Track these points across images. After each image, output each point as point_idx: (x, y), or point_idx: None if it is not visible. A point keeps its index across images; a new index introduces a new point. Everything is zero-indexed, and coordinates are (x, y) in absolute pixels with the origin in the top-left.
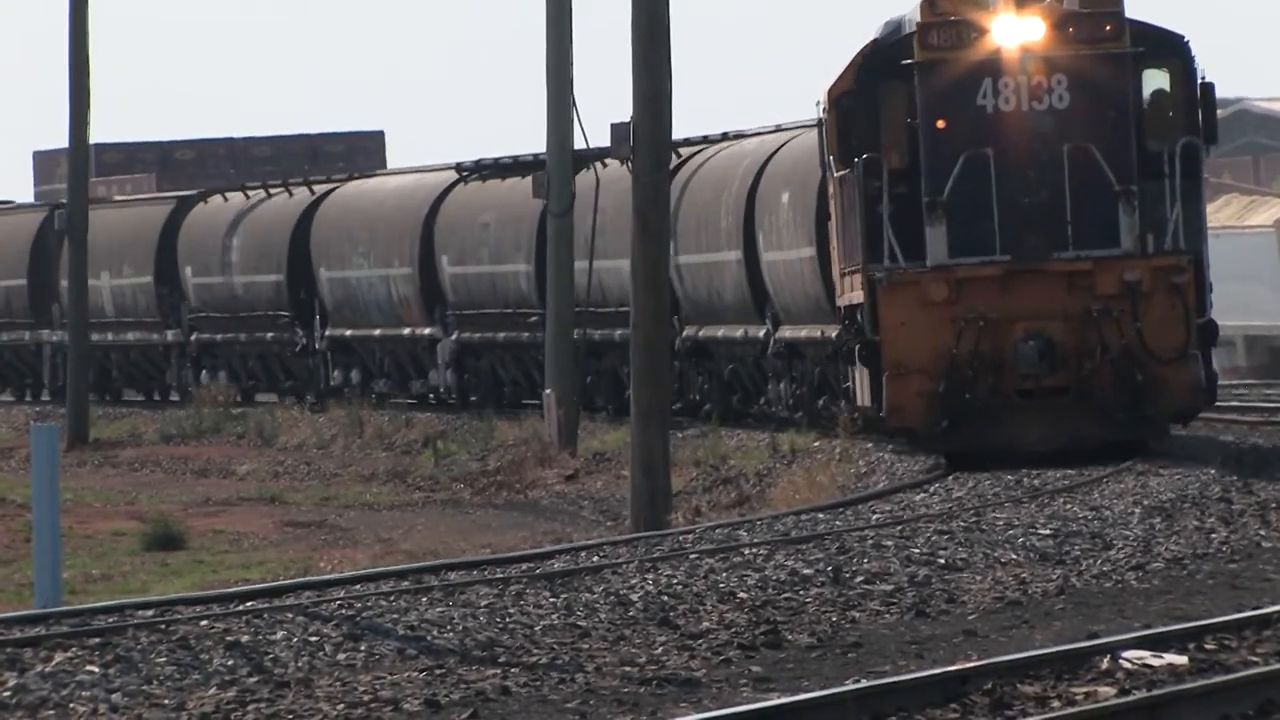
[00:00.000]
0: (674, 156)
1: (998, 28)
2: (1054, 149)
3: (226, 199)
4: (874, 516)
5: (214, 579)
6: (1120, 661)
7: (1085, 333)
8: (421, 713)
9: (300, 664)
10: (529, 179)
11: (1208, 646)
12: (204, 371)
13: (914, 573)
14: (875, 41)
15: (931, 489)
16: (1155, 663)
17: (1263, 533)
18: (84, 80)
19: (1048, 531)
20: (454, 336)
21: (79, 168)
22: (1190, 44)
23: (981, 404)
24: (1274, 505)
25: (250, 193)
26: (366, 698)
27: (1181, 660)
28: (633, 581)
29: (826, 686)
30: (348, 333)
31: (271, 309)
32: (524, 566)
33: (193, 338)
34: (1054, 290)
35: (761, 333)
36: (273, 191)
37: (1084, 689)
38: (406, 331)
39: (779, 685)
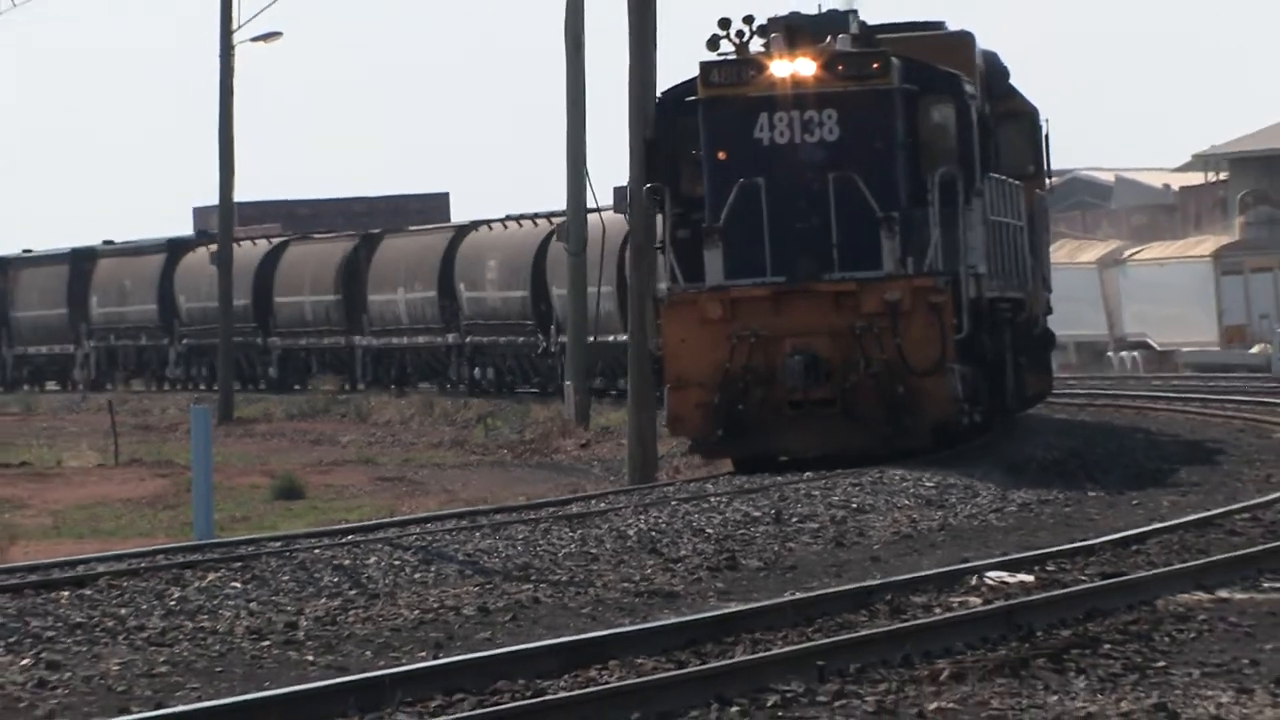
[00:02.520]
0: None
1: (773, 66)
2: (823, 178)
3: (490, 228)
4: (805, 474)
5: (324, 519)
6: (985, 579)
7: (849, 348)
8: (475, 616)
9: (387, 581)
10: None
11: (1049, 568)
12: (476, 369)
13: (834, 514)
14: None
15: None
16: (1010, 580)
17: (1089, 484)
18: (229, 153)
19: (932, 484)
20: None
21: (226, 220)
22: (966, 83)
23: (754, 415)
24: (1096, 464)
25: (508, 224)
26: (435, 605)
27: (1030, 579)
28: (629, 521)
29: (771, 597)
30: None
31: (520, 318)
32: (550, 510)
33: (467, 340)
34: (821, 309)
35: None
36: (522, 223)
37: (958, 599)
38: (610, 339)
39: (736, 596)
